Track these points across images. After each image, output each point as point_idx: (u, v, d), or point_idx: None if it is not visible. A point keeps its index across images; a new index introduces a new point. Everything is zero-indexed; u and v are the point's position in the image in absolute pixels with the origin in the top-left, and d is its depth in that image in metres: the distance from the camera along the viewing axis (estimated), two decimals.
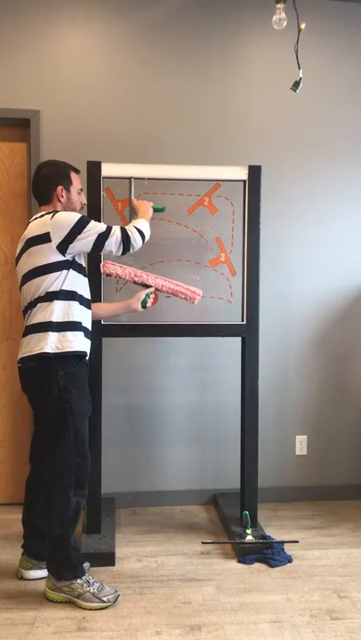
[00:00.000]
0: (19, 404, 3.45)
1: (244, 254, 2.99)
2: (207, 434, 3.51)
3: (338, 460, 3.60)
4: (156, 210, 2.78)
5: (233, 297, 3.05)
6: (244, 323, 3.00)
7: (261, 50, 3.43)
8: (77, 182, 2.63)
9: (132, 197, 2.84)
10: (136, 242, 2.52)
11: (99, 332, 2.88)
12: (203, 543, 2.96)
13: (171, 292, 2.80)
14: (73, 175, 2.61)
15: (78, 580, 2.43)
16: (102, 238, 2.43)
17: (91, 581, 2.45)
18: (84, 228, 2.41)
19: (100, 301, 2.85)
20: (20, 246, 2.52)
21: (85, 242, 2.41)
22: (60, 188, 2.55)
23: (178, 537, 3.05)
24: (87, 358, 2.53)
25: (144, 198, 2.94)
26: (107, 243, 2.44)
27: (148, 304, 2.74)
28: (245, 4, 3.39)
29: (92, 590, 2.41)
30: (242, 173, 2.96)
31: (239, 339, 3.09)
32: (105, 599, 2.40)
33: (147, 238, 2.59)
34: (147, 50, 3.36)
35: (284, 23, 2.56)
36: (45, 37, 3.28)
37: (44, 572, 2.59)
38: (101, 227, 2.45)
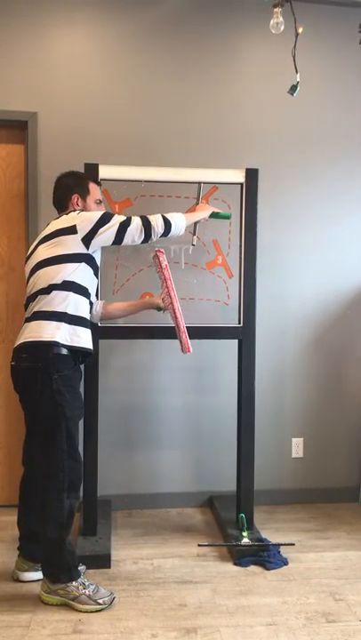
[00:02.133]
0: (15, 406, 3.43)
1: (240, 257, 3.00)
2: (203, 436, 3.51)
3: (334, 462, 3.61)
4: (219, 216, 2.85)
5: (230, 299, 3.05)
6: (241, 325, 3.00)
7: (260, 52, 3.44)
8: (96, 193, 2.69)
9: (200, 203, 2.90)
10: (158, 227, 2.55)
11: (96, 333, 2.88)
12: (199, 546, 2.96)
13: (173, 322, 2.75)
14: (92, 186, 2.68)
15: (74, 583, 2.42)
16: (124, 226, 2.50)
17: (86, 584, 2.44)
18: (109, 221, 2.49)
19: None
20: (35, 243, 2.56)
21: (109, 232, 2.48)
22: (75, 196, 2.62)
23: (174, 539, 3.04)
24: (81, 361, 2.54)
25: (140, 200, 2.95)
26: (128, 230, 2.50)
27: (163, 312, 2.81)
28: (244, 7, 3.40)
29: (87, 593, 2.41)
30: (239, 176, 2.97)
31: (236, 341, 3.09)
32: (100, 601, 2.40)
33: (174, 230, 2.60)
34: (144, 51, 3.37)
35: (282, 27, 2.56)
36: (42, 39, 3.28)
37: (39, 574, 2.58)
38: (122, 217, 2.53)
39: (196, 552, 2.91)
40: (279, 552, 2.85)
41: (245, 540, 2.85)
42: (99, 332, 2.90)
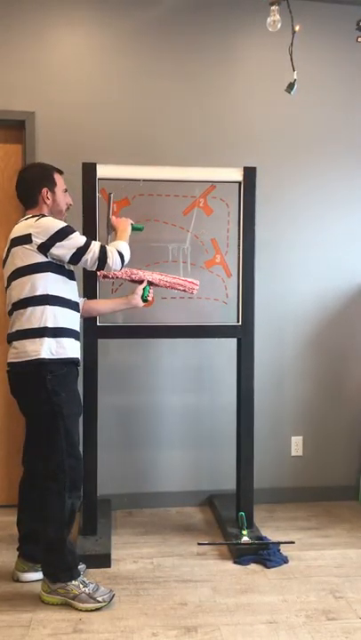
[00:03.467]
0: (12, 407, 3.43)
1: (239, 255, 3.00)
2: (203, 435, 3.51)
3: (333, 460, 3.61)
4: (134, 229, 2.77)
5: (228, 298, 3.05)
6: (240, 324, 3.00)
7: (258, 51, 3.44)
8: (61, 183, 2.62)
9: (111, 214, 2.82)
10: (114, 263, 2.51)
11: (94, 333, 2.88)
12: (199, 544, 2.96)
13: (169, 286, 2.82)
14: (56, 176, 2.61)
15: (74, 582, 2.42)
16: (80, 252, 2.44)
17: (86, 582, 2.45)
18: (66, 237, 2.41)
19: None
20: (6, 248, 2.54)
21: (64, 251, 2.41)
22: (44, 190, 2.55)
23: (174, 538, 3.05)
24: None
25: (139, 200, 2.95)
26: (83, 258, 2.45)
27: (150, 297, 2.77)
28: (241, 6, 3.40)
29: (87, 591, 2.41)
30: (237, 175, 2.97)
31: (235, 340, 3.09)
32: (100, 599, 2.40)
33: (126, 261, 2.58)
34: (142, 51, 3.37)
35: (279, 25, 2.56)
36: (40, 39, 3.28)
37: (39, 575, 2.59)
38: (81, 240, 2.45)
39: (196, 551, 2.91)
40: (279, 550, 2.85)
41: (245, 539, 2.86)
42: (97, 332, 2.91)
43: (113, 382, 3.39)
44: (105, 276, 2.77)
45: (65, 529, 2.44)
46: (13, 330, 2.46)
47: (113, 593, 2.45)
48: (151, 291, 2.78)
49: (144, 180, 2.94)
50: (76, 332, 2.52)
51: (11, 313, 2.49)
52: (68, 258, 2.43)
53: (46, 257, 2.41)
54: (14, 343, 2.45)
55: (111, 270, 2.55)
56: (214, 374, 3.49)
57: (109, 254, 2.49)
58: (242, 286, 2.99)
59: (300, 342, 3.56)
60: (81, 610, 2.38)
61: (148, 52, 3.37)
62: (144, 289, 2.76)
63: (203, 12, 3.39)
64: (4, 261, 2.54)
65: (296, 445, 3.57)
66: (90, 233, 2.79)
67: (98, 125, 3.33)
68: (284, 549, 2.88)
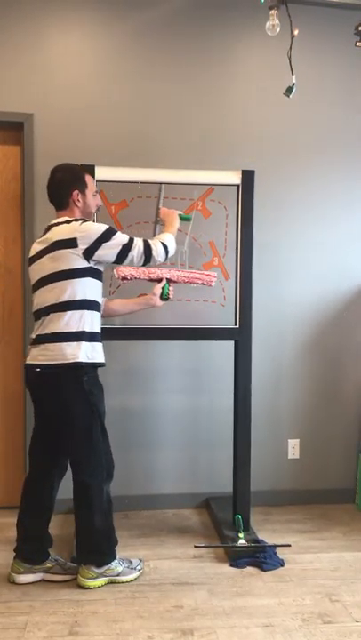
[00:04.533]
0: (11, 408, 3.44)
1: (237, 258, 3.00)
2: (200, 437, 3.51)
3: (330, 463, 3.61)
4: (182, 219, 2.82)
5: (226, 301, 3.06)
6: (237, 326, 3.01)
7: (257, 54, 3.45)
8: (92, 185, 2.66)
9: (160, 206, 2.87)
10: (159, 255, 2.58)
11: None
12: (195, 547, 2.96)
13: (187, 281, 2.84)
14: (87, 178, 2.65)
15: (116, 560, 2.60)
16: (126, 249, 2.50)
17: (120, 557, 2.64)
18: (111, 237, 2.48)
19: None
20: (37, 247, 2.55)
21: (110, 252, 2.48)
22: (75, 192, 2.59)
23: (170, 541, 3.04)
24: None
25: (137, 202, 2.95)
26: (129, 254, 2.52)
27: (171, 294, 2.80)
28: (241, 9, 3.41)
29: (125, 565, 2.63)
30: (235, 178, 2.97)
31: (232, 342, 3.10)
32: (138, 567, 2.66)
33: (171, 253, 2.65)
34: (141, 53, 3.37)
35: (278, 29, 2.57)
36: (39, 40, 3.29)
37: (35, 577, 2.60)
38: (124, 238, 2.52)
39: (192, 553, 2.91)
40: (275, 553, 2.85)
41: (242, 542, 2.85)
42: None
43: (110, 384, 3.38)
44: (124, 278, 2.78)
45: (109, 516, 2.59)
46: (48, 332, 2.48)
47: (140, 559, 2.72)
48: (171, 288, 2.81)
49: (142, 183, 2.94)
50: (101, 335, 2.60)
51: (45, 313, 2.50)
52: (114, 257, 2.50)
53: (88, 262, 2.47)
54: (48, 345, 2.47)
55: (156, 262, 2.61)
56: (211, 376, 3.49)
57: (153, 247, 2.56)
58: (239, 289, 2.99)
59: (298, 345, 3.57)
60: (127, 582, 2.59)
61: (147, 54, 3.38)
62: (163, 287, 2.78)
63: (202, 15, 3.40)
64: (32, 261, 2.56)
65: (293, 448, 3.58)
66: None
67: (96, 127, 3.33)
68: (281, 552, 2.88)
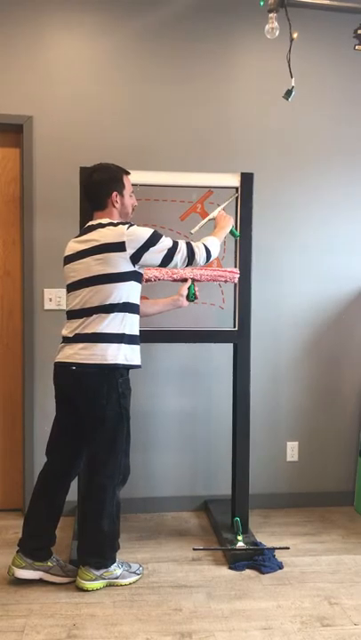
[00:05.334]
0: (10, 410, 3.44)
1: (236, 261, 3.00)
2: (198, 440, 3.50)
3: (329, 466, 3.61)
4: (232, 233, 2.86)
5: (225, 303, 3.05)
6: (236, 329, 3.01)
7: (256, 57, 3.46)
8: (129, 185, 2.68)
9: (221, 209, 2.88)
10: (201, 258, 2.61)
11: None
12: (194, 550, 2.95)
13: (211, 279, 2.87)
14: (125, 178, 2.65)
15: (115, 564, 2.61)
16: (171, 253, 2.53)
17: (120, 561, 2.63)
18: (158, 241, 2.51)
19: None
20: (78, 247, 2.55)
21: (156, 255, 2.51)
22: (114, 193, 2.60)
23: (169, 543, 3.04)
24: None
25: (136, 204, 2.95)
26: (174, 257, 2.54)
27: (197, 295, 2.82)
28: (240, 12, 3.42)
29: (125, 568, 2.63)
30: (234, 180, 2.98)
31: (231, 345, 3.09)
32: (138, 572, 2.66)
33: (213, 257, 2.67)
34: (140, 56, 3.38)
35: (277, 32, 2.57)
36: (38, 43, 3.29)
37: (35, 574, 2.59)
38: (169, 242, 2.54)
39: (191, 556, 2.90)
40: (274, 556, 2.84)
41: (240, 544, 2.85)
42: None
43: None
44: (147, 280, 2.79)
45: (116, 520, 2.60)
46: (89, 331, 2.49)
47: (140, 565, 2.71)
48: (197, 288, 2.83)
49: (141, 185, 2.94)
50: (139, 338, 2.63)
51: (85, 314, 2.51)
52: (159, 261, 2.53)
53: (134, 266, 2.49)
54: (88, 344, 2.49)
55: (198, 264, 2.63)
56: (210, 379, 3.48)
57: (197, 250, 2.59)
58: (238, 291, 2.99)
59: (297, 347, 3.57)
60: (126, 585, 2.59)
61: (146, 57, 3.38)
62: (189, 288, 2.80)
63: (202, 18, 3.41)
64: (71, 260, 2.56)
65: (292, 451, 3.57)
66: None
67: (96, 130, 3.33)
68: (279, 555, 2.88)
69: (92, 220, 2.62)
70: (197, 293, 2.83)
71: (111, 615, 2.38)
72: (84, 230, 2.60)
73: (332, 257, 3.57)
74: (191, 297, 2.81)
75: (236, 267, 2.99)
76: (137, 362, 2.59)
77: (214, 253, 2.66)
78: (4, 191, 3.38)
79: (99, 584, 2.56)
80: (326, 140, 3.54)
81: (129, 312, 2.53)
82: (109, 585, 2.58)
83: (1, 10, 3.25)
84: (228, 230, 2.82)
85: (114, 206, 2.60)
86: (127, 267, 2.49)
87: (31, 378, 3.32)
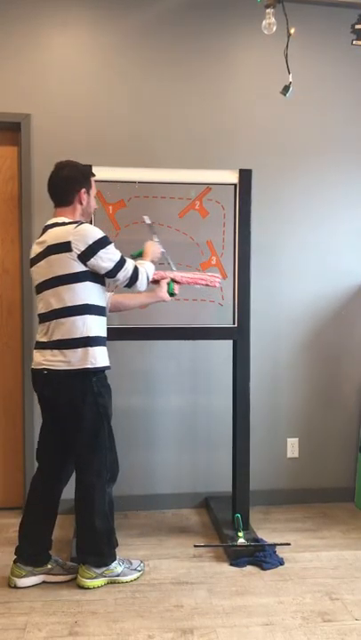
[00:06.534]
0: (10, 410, 3.44)
1: (235, 257, 3.00)
2: (199, 437, 3.50)
3: (329, 462, 3.61)
4: (168, 288, 2.79)
5: (224, 300, 3.05)
6: (236, 326, 3.01)
7: (254, 53, 3.45)
8: (94, 186, 2.66)
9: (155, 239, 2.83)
10: (141, 284, 2.58)
11: None
12: (195, 546, 2.95)
13: (191, 282, 2.84)
14: (92, 180, 2.64)
15: (116, 561, 2.60)
16: (117, 268, 2.49)
17: (120, 558, 2.63)
18: (105, 247, 2.45)
19: None
20: (37, 249, 2.53)
21: (102, 263, 2.45)
22: (83, 190, 2.57)
23: (170, 540, 3.04)
24: None
25: (135, 202, 2.95)
26: (118, 273, 2.50)
27: (176, 290, 2.79)
28: (237, 8, 3.41)
29: (126, 566, 2.63)
30: (232, 177, 2.97)
31: (230, 342, 3.09)
32: (139, 568, 2.66)
33: (149, 281, 2.64)
34: (138, 53, 3.37)
35: (274, 28, 2.57)
36: (35, 41, 3.28)
37: (37, 579, 2.59)
38: (117, 255, 2.50)
39: (192, 553, 2.91)
40: (275, 552, 2.85)
41: (241, 541, 2.85)
42: None
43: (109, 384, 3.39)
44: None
45: (110, 517, 2.58)
46: (54, 338, 2.47)
47: (141, 561, 2.71)
48: (176, 286, 2.80)
49: (139, 183, 2.94)
50: (106, 338, 2.59)
51: (48, 319, 2.49)
52: (104, 271, 2.47)
53: (85, 266, 2.44)
54: (54, 351, 2.47)
55: (136, 290, 2.60)
56: (210, 376, 3.49)
57: (140, 276, 2.56)
58: (238, 288, 2.99)
59: (297, 344, 3.57)
60: (127, 582, 2.59)
61: (144, 54, 3.38)
62: (168, 284, 2.77)
63: (199, 14, 3.40)
64: (33, 263, 2.55)
65: (292, 447, 3.58)
66: None
67: (94, 127, 3.33)
68: (280, 551, 2.88)
69: (54, 217, 2.58)
70: (177, 290, 2.79)
71: (113, 612, 2.38)
72: (43, 230, 2.56)
73: (331, 254, 3.56)
74: (170, 291, 2.76)
75: (235, 263, 2.99)
76: (104, 364, 2.53)
77: (150, 279, 2.63)
78: (2, 189, 3.38)
79: (100, 582, 2.57)
80: (326, 136, 3.53)
81: (90, 314, 2.46)
82: (110, 583, 2.58)
83: None
84: (156, 257, 2.75)
85: (80, 203, 2.56)
86: (78, 267, 2.42)
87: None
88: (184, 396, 3.48)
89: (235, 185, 2.97)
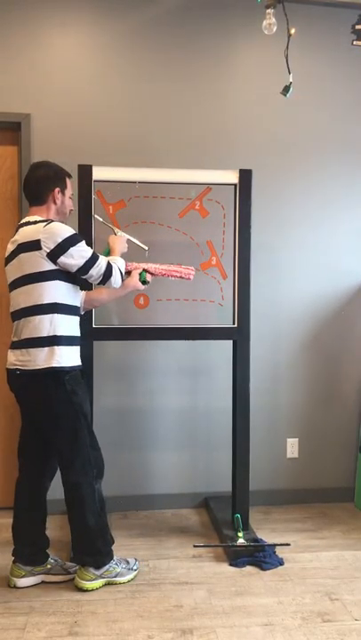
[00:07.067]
0: (8, 410, 3.43)
1: (235, 257, 3.00)
2: (198, 437, 3.50)
3: (329, 462, 3.61)
4: (141, 278, 2.76)
5: (224, 300, 3.05)
6: (235, 326, 3.01)
7: (254, 54, 3.45)
8: (70, 187, 2.65)
9: (117, 233, 2.80)
10: (115, 281, 2.56)
11: (90, 335, 2.88)
12: (194, 547, 2.95)
13: (165, 274, 2.81)
14: (67, 180, 2.63)
15: (114, 561, 2.60)
16: (88, 265, 2.46)
17: (117, 558, 2.63)
18: (76, 245, 2.43)
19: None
20: (10, 248, 2.53)
21: (72, 261, 2.43)
22: (57, 189, 2.56)
23: (169, 540, 3.04)
24: None
25: (135, 202, 2.95)
26: (90, 271, 2.47)
27: (148, 278, 2.76)
28: (237, 9, 3.41)
29: (123, 565, 2.62)
30: (232, 177, 2.97)
31: (230, 342, 3.09)
32: (135, 568, 2.66)
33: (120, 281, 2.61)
34: (137, 53, 3.37)
35: (274, 28, 2.57)
36: (35, 41, 3.28)
37: (36, 579, 2.59)
38: (88, 252, 2.47)
39: (191, 553, 2.91)
40: (275, 552, 2.85)
41: (241, 541, 2.85)
42: (93, 334, 2.90)
43: (108, 384, 3.39)
44: None
45: (102, 514, 2.57)
46: (22, 337, 2.47)
47: (136, 560, 2.72)
48: (149, 275, 2.76)
49: (140, 183, 2.94)
50: (79, 338, 2.57)
51: (17, 317, 2.49)
52: (75, 269, 2.45)
53: (55, 264, 2.42)
54: (22, 350, 2.46)
55: (111, 287, 2.59)
56: (210, 376, 3.49)
57: (114, 272, 2.54)
58: (238, 288, 2.99)
59: (296, 344, 3.57)
60: (124, 583, 2.59)
61: (144, 54, 3.38)
62: (140, 273, 2.74)
63: (200, 14, 3.40)
64: (7, 262, 2.54)
65: (292, 447, 3.58)
66: (86, 235, 2.79)
67: (94, 127, 3.33)
68: (280, 551, 2.88)
69: (28, 215, 2.57)
70: (149, 278, 2.75)
71: (112, 612, 2.38)
72: (16, 229, 2.55)
73: (331, 253, 3.57)
74: (142, 279, 2.73)
75: (235, 263, 2.99)
76: (72, 364, 2.49)
77: (123, 275, 2.62)
78: (2, 189, 3.38)
79: (99, 583, 2.56)
80: (326, 137, 3.54)
81: (59, 313, 2.44)
82: (108, 584, 2.58)
83: None
84: (123, 249, 2.72)
85: (54, 202, 2.56)
86: (47, 265, 2.41)
87: None
88: (184, 395, 3.48)
89: (235, 185, 2.97)
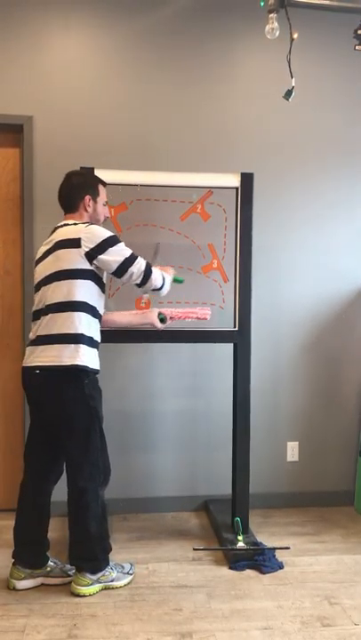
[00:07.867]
0: (10, 410, 3.44)
1: (236, 261, 3.00)
2: (199, 440, 3.50)
3: (329, 466, 3.61)
4: (175, 280, 2.78)
5: (225, 303, 3.05)
6: (236, 329, 3.01)
7: (255, 57, 3.46)
8: (104, 195, 2.69)
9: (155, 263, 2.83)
10: (156, 281, 2.58)
11: None
12: (194, 550, 2.95)
13: (182, 317, 2.86)
14: (100, 187, 2.67)
15: (110, 566, 2.59)
16: (127, 263, 2.49)
17: (113, 563, 2.62)
18: (115, 245, 2.48)
19: None
20: (43, 249, 2.57)
21: (112, 260, 2.48)
22: (87, 197, 2.60)
23: (169, 543, 3.04)
24: None
25: (136, 204, 2.96)
26: (129, 269, 2.50)
27: (167, 322, 2.79)
28: (240, 12, 3.42)
29: (118, 570, 2.61)
30: (234, 180, 2.98)
31: (231, 345, 3.10)
32: (130, 572, 2.65)
33: (164, 291, 2.65)
34: (140, 56, 3.38)
35: (277, 33, 2.57)
36: (38, 43, 3.29)
37: (36, 582, 2.59)
38: (128, 251, 2.52)
39: (191, 556, 2.90)
40: (274, 556, 2.85)
41: (241, 544, 2.85)
42: None
43: (108, 387, 3.38)
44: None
45: (104, 521, 2.57)
46: (47, 333, 2.48)
47: (131, 564, 2.70)
48: (169, 318, 2.80)
49: (141, 185, 2.94)
50: (99, 343, 2.59)
51: (44, 313, 2.50)
52: (114, 267, 2.49)
53: (91, 265, 2.46)
54: (46, 346, 2.47)
55: (151, 288, 2.60)
56: (210, 379, 3.49)
57: (154, 271, 2.56)
58: (238, 291, 2.99)
59: (297, 347, 3.57)
60: (120, 587, 2.57)
61: (146, 57, 3.38)
62: (160, 314, 2.78)
63: (202, 18, 3.40)
64: (38, 262, 2.58)
65: (292, 451, 3.58)
66: None
67: (96, 130, 3.33)
68: (280, 555, 2.88)
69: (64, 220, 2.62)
70: (168, 321, 2.80)
71: (112, 615, 2.38)
72: (52, 231, 2.61)
73: (331, 256, 3.57)
74: (161, 318, 2.77)
75: (236, 267, 2.99)
76: (95, 366, 2.53)
77: (166, 288, 2.64)
78: (4, 191, 3.38)
79: (95, 588, 2.54)
80: (327, 140, 3.54)
81: (87, 313, 2.47)
82: (105, 588, 2.57)
83: (1, 10, 3.25)
84: (170, 278, 2.74)
85: (85, 210, 2.60)
86: (83, 264, 2.45)
87: None
88: (184, 398, 3.48)
89: (236, 188, 2.98)
